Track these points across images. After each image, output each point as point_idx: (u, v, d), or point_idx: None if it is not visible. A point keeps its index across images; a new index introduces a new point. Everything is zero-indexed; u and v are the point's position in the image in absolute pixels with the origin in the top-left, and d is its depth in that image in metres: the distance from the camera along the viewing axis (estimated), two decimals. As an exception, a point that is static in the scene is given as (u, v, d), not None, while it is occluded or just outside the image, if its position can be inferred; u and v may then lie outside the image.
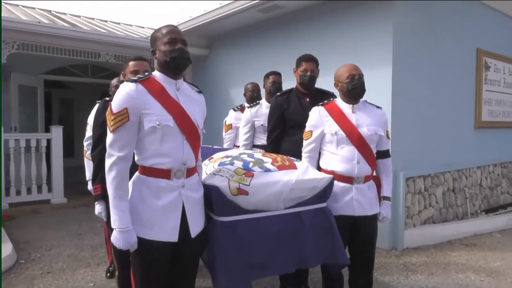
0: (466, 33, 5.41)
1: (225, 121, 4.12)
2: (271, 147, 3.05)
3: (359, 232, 2.47)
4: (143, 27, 9.96)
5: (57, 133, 6.24)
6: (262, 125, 3.52)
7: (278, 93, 3.17)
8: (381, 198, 2.58)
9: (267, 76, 3.63)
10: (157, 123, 1.76)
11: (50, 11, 8.65)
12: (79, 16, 9.05)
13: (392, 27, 4.26)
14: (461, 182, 5.44)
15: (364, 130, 2.41)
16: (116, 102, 1.75)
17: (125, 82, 1.80)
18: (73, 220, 5.47)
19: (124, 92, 1.75)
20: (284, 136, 3.04)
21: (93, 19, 9.26)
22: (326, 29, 4.97)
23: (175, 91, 1.86)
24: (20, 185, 5.96)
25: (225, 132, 4.07)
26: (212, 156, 2.55)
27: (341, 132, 2.41)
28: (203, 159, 2.42)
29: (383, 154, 2.58)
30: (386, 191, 2.59)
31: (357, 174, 2.41)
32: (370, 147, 2.44)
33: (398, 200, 4.27)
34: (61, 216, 5.70)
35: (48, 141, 6.25)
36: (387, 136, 2.57)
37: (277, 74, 3.61)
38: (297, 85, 3.03)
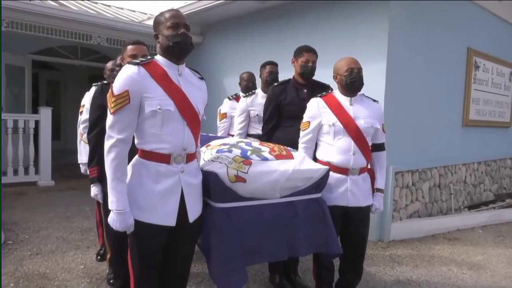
0: (458, 32, 5.50)
1: (220, 110, 4.11)
2: (267, 137, 3.07)
3: (352, 223, 2.53)
4: (134, 11, 9.81)
5: (45, 114, 6.14)
6: (257, 115, 3.54)
7: (275, 83, 3.17)
8: (374, 190, 2.64)
9: (263, 66, 3.63)
10: (158, 107, 1.76)
11: (39, -11, 8.43)
12: (69, -4, 8.85)
13: (388, 24, 4.30)
14: (447, 178, 5.57)
15: (361, 123, 2.46)
16: (118, 84, 1.74)
17: (127, 65, 1.79)
18: (60, 202, 5.42)
19: (126, 75, 1.75)
20: (280, 126, 3.06)
21: (83, 0, 9.08)
22: (322, 22, 4.98)
23: (177, 76, 1.86)
24: (7, 166, 5.86)
25: (220, 121, 4.06)
26: (209, 143, 2.57)
27: (338, 124, 2.46)
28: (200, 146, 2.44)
29: (378, 147, 2.64)
30: (380, 183, 2.65)
31: (353, 165, 2.47)
32: (366, 139, 2.49)
33: (387, 194, 4.36)
34: (48, 199, 5.64)
35: (36, 123, 6.15)
36: (383, 130, 2.62)
37: (274, 64, 3.61)
38: (295, 76, 3.04)
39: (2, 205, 5.09)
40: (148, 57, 1.88)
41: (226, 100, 4.11)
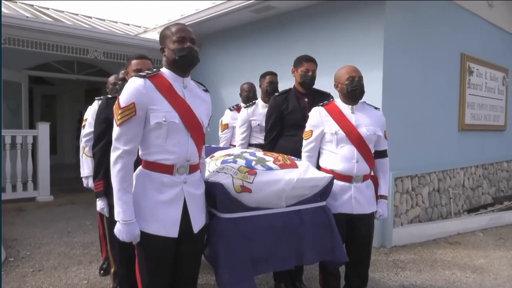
0: (451, 38, 5.59)
1: (221, 121, 4.13)
2: (269, 146, 3.08)
3: (357, 230, 2.54)
4: (128, 24, 9.86)
5: (43, 129, 6.12)
6: (258, 124, 3.55)
7: (277, 93, 3.20)
8: (378, 197, 2.65)
9: (263, 76, 3.65)
10: (163, 119, 1.78)
11: (33, 5, 8.48)
12: (63, 12, 8.89)
13: (383, 32, 4.36)
14: (446, 182, 5.61)
15: (363, 130, 2.48)
16: (124, 97, 1.76)
17: (133, 77, 1.81)
18: (60, 217, 5.38)
19: (133, 87, 1.77)
20: (282, 135, 3.07)
21: (77, 14, 9.12)
22: (318, 31, 5.05)
23: (182, 89, 1.89)
24: (5, 182, 5.83)
25: (222, 132, 4.08)
26: (213, 155, 2.57)
27: (341, 132, 2.48)
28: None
29: (381, 154, 2.66)
30: (383, 190, 2.66)
31: (356, 173, 2.48)
32: (369, 146, 2.51)
33: (388, 200, 4.38)
34: (48, 214, 5.60)
35: (34, 138, 6.13)
36: (385, 137, 2.64)
37: (274, 74, 3.63)
38: (296, 85, 3.07)
39: (2, 222, 5.05)
40: (154, 69, 1.90)
41: (227, 111, 4.13)
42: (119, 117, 1.75)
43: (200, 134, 1.92)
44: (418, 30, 4.93)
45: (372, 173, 2.63)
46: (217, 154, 2.57)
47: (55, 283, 3.31)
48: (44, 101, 11.05)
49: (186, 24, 6.40)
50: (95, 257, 3.89)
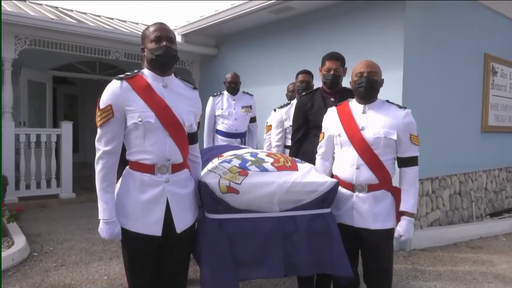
0: (474, 38, 5.46)
1: (267, 122, 4.02)
2: (295, 147, 2.99)
3: (364, 245, 2.32)
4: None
5: (67, 128, 6.28)
6: (290, 125, 3.43)
7: (304, 93, 3.12)
8: (399, 213, 2.29)
9: (296, 75, 3.59)
10: (139, 119, 1.81)
11: (57, 7, 8.68)
12: (86, 13, 9.09)
13: (403, 32, 4.30)
14: (467, 185, 5.50)
15: (368, 133, 2.22)
16: (102, 99, 1.83)
17: (113, 80, 1.87)
18: (82, 214, 5.51)
19: (110, 90, 1.83)
20: (307, 136, 2.97)
21: (99, 16, 9.30)
22: (336, 32, 5.01)
23: (162, 88, 1.90)
24: (30, 179, 6.01)
25: (266, 133, 3.97)
26: (222, 154, 2.50)
27: (343, 134, 2.30)
28: (213, 158, 2.44)
29: (405, 162, 2.29)
30: (406, 205, 2.26)
31: (356, 181, 2.24)
32: (374, 152, 2.22)
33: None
34: (70, 211, 5.75)
35: (58, 137, 6.29)
36: (412, 141, 2.28)
37: (307, 73, 3.54)
38: (322, 84, 2.95)
39: (26, 218, 5.21)
40: (135, 71, 1.94)
41: (273, 112, 3.95)
42: (98, 119, 1.82)
43: (179, 133, 1.91)
44: (439, 30, 4.84)
45: (395, 184, 2.36)
46: (226, 153, 2.49)
47: (76, 278, 3.40)
48: (67, 100, 11.33)
49: (205, 25, 6.48)
50: (115, 254, 3.97)
